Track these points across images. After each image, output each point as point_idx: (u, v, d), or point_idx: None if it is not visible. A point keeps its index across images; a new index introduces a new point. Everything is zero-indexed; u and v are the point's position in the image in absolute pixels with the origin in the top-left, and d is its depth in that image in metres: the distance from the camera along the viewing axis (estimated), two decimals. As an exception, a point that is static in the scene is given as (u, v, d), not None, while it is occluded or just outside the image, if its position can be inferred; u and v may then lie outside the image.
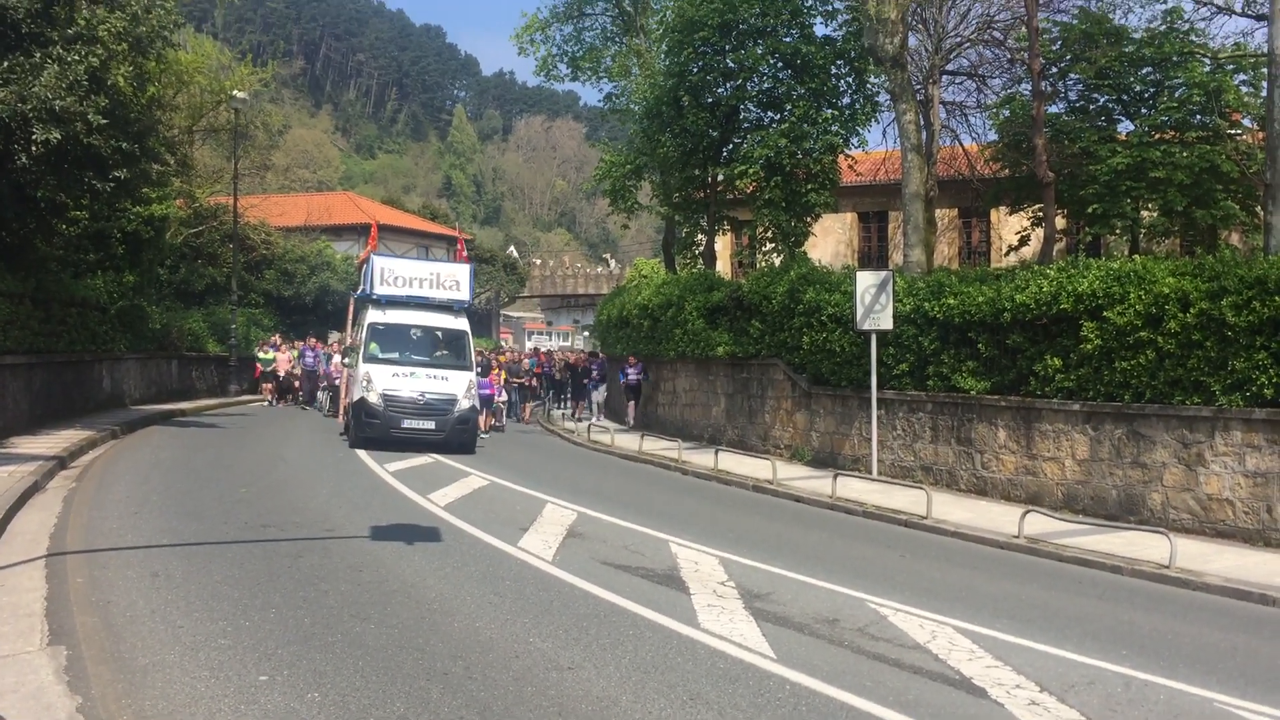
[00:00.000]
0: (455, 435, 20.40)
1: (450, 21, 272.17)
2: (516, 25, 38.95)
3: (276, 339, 34.36)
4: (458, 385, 20.78)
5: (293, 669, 6.77)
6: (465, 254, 31.10)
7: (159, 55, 20.48)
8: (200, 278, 37.13)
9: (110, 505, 12.64)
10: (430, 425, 20.20)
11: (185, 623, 7.71)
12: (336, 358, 28.93)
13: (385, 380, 20.32)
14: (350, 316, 25.98)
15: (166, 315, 30.89)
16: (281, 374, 32.57)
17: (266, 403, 32.23)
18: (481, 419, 23.85)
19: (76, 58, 16.93)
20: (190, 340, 32.20)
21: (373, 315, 21.88)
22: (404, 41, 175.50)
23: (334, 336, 37.28)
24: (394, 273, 22.31)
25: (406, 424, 20.08)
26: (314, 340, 33.73)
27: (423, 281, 22.34)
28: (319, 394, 30.92)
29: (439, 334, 22.09)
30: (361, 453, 19.61)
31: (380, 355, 21.15)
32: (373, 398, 20.12)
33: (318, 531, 11.57)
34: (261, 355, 33.05)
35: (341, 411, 23.91)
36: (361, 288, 24.01)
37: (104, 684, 6.37)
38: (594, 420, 29.62)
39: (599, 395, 31.07)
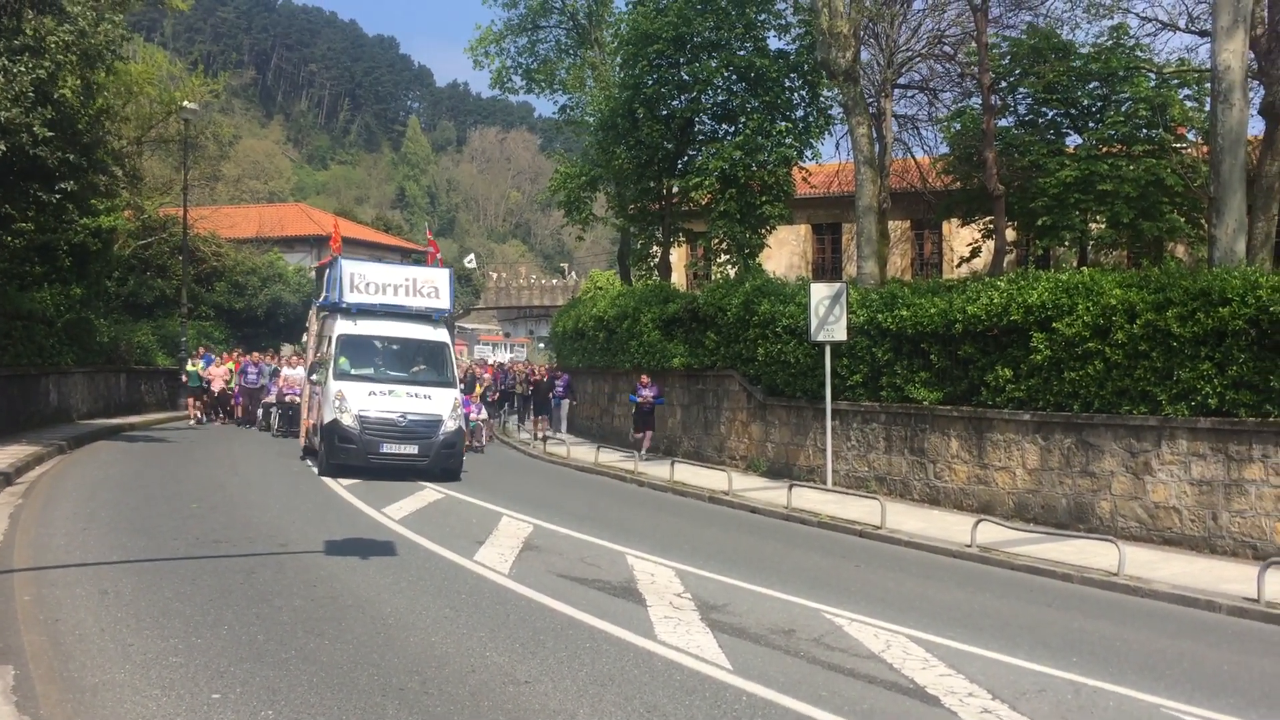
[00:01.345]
0: (440, 460, 18.29)
1: (404, 32, 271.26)
2: (471, 37, 38.91)
3: (205, 350, 31.95)
4: (442, 405, 18.60)
5: (246, 686, 6.70)
6: (441, 259, 29.77)
7: (108, 68, 20.21)
8: (149, 290, 36.65)
9: (58, 522, 12.44)
10: (413, 450, 18.00)
11: (136, 640, 7.61)
12: (288, 371, 27.32)
13: (360, 399, 18.09)
14: (312, 328, 23.24)
15: (114, 328, 30.44)
16: (216, 389, 30.00)
17: (193, 420, 29.46)
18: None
19: (23, 69, 16.71)
20: (139, 354, 31.74)
21: (342, 326, 19.54)
22: (357, 52, 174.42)
23: (287, 350, 36.61)
24: (365, 278, 19.91)
25: (386, 448, 17.87)
26: (256, 354, 31.19)
27: (398, 288, 20.03)
28: (260, 412, 28.43)
29: (418, 347, 20.03)
30: (311, 463, 19.43)
31: (352, 371, 18.93)
32: (347, 420, 17.88)
33: (271, 547, 11.46)
34: (190, 367, 30.19)
35: (304, 433, 21.84)
36: (325, 295, 21.79)
37: (52, 704, 6.27)
38: (559, 437, 27.87)
39: (564, 411, 29.71)
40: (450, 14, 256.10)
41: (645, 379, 23.75)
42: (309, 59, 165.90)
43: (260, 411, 28.31)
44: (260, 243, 45.40)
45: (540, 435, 28.44)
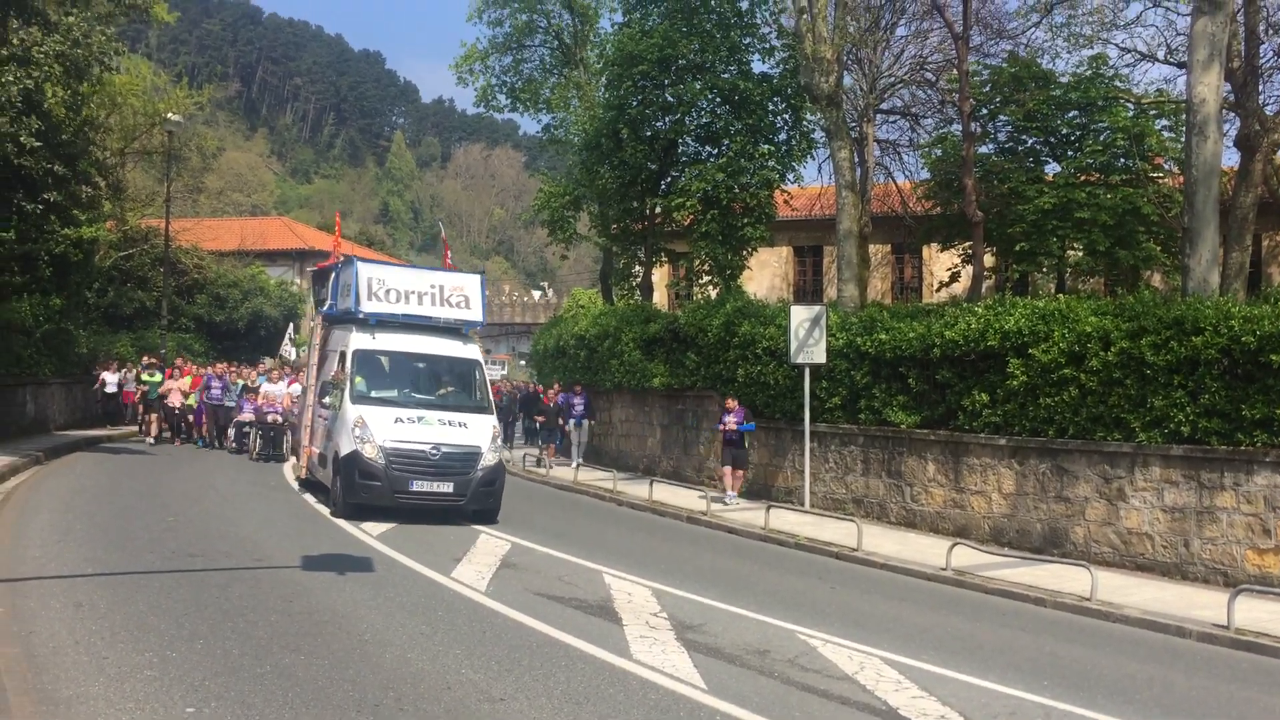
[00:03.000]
0: (479, 499, 15.65)
1: (390, 48, 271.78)
2: (456, 55, 38.92)
3: (149, 358, 28.23)
4: (480, 434, 15.94)
5: (221, 700, 6.71)
6: (453, 266, 27.09)
7: (96, 79, 20.23)
8: (129, 301, 36.48)
9: (33, 533, 12.39)
10: (447, 488, 15.33)
11: (110, 654, 7.60)
12: (269, 387, 24.45)
13: (385, 428, 15.39)
14: (318, 341, 19.66)
15: (94, 339, 30.31)
16: (176, 405, 26.23)
17: (148, 439, 25.60)
18: None
19: (10, 79, 16.72)
20: (118, 365, 31.55)
21: (358, 340, 16.74)
22: (342, 66, 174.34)
23: (267, 362, 36.35)
24: (385, 284, 17.07)
25: (416, 486, 15.17)
26: (221, 366, 27.50)
27: (422, 296, 17.25)
28: (231, 432, 25.11)
29: (446, 365, 17.32)
30: (293, 481, 19.37)
31: (372, 394, 16.24)
32: (369, 451, 15.17)
33: (247, 561, 11.46)
34: (146, 376, 26.31)
35: (304, 463, 18.62)
36: (330, 303, 19.05)
37: (26, 716, 6.26)
38: (576, 463, 24.20)
39: (584, 434, 26.03)
40: (436, 30, 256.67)
41: (731, 402, 19.99)
42: (294, 73, 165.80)
43: (231, 431, 25.13)
44: (242, 256, 45.29)
45: (547, 463, 25.01)
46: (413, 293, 17.23)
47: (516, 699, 7.18)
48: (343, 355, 16.99)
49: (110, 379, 28.17)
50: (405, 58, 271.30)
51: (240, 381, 26.14)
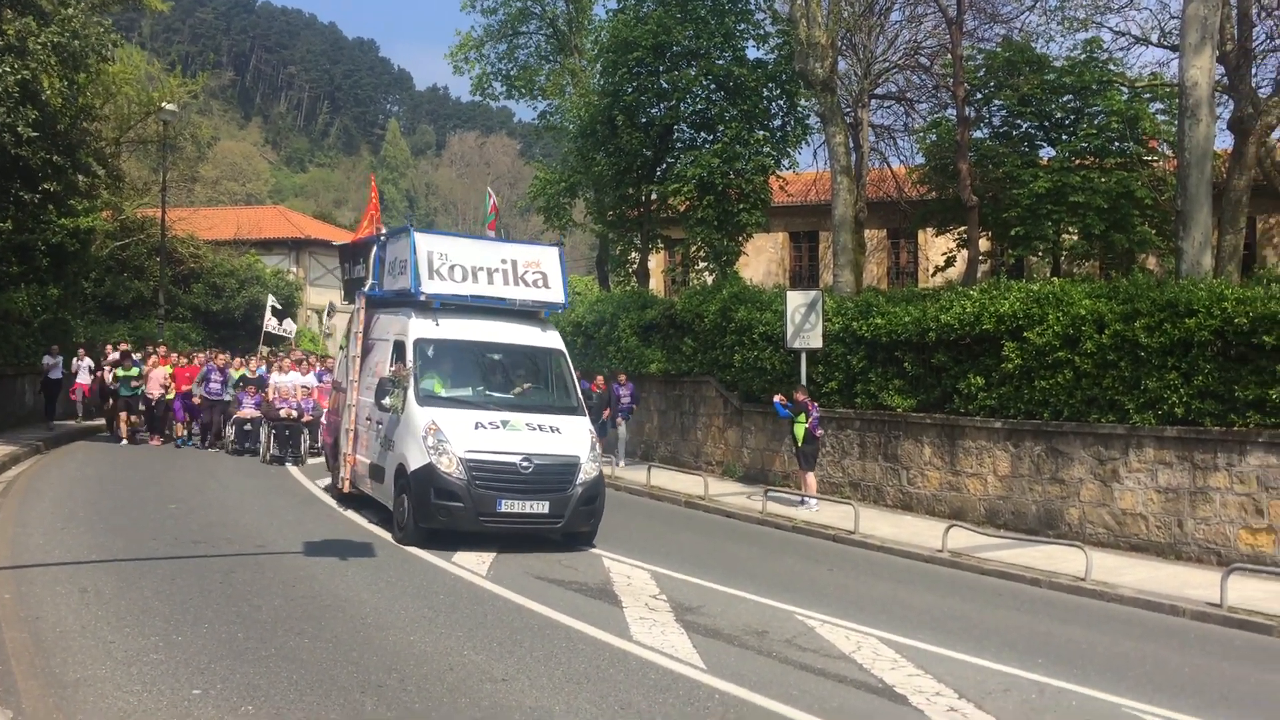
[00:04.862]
0: (578, 520, 13.07)
1: (383, 36, 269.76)
2: (450, 42, 38.93)
3: (114, 348, 24.29)
4: (576, 441, 13.29)
5: (226, 683, 6.81)
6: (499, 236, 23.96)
7: (94, 70, 20.24)
8: (126, 291, 36.49)
9: (36, 521, 12.47)
10: (542, 508, 12.64)
11: (116, 638, 7.70)
12: (279, 378, 21.84)
13: (465, 435, 12.63)
14: (359, 328, 16.04)
15: (91, 329, 30.32)
16: (153, 397, 22.62)
17: (116, 439, 22.37)
18: None
19: (7, 69, 16.74)
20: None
21: (419, 328, 13.85)
22: (336, 55, 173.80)
23: (264, 351, 36.28)
24: (449, 259, 14.20)
25: (505, 506, 12.41)
26: (222, 356, 24.15)
27: (493, 273, 14.43)
28: (231, 430, 21.79)
29: (525, 356, 14.59)
30: (293, 469, 19.43)
31: (444, 394, 13.47)
32: (446, 465, 12.41)
33: (249, 547, 11.54)
34: (121, 371, 22.46)
35: (346, 475, 15.31)
36: (372, 283, 15.78)
37: (34, 698, 6.37)
38: (619, 464, 22.19)
39: (625, 430, 23.13)
40: (430, 18, 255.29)
41: (803, 395, 17.48)
42: (288, 61, 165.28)
43: (230, 430, 21.89)
44: (238, 245, 45.25)
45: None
46: (481, 269, 14.45)
47: (518, 679, 7.28)
48: (399, 346, 14.19)
49: (50, 361, 24.18)
50: (399, 45, 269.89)
51: (238, 372, 23.11)
